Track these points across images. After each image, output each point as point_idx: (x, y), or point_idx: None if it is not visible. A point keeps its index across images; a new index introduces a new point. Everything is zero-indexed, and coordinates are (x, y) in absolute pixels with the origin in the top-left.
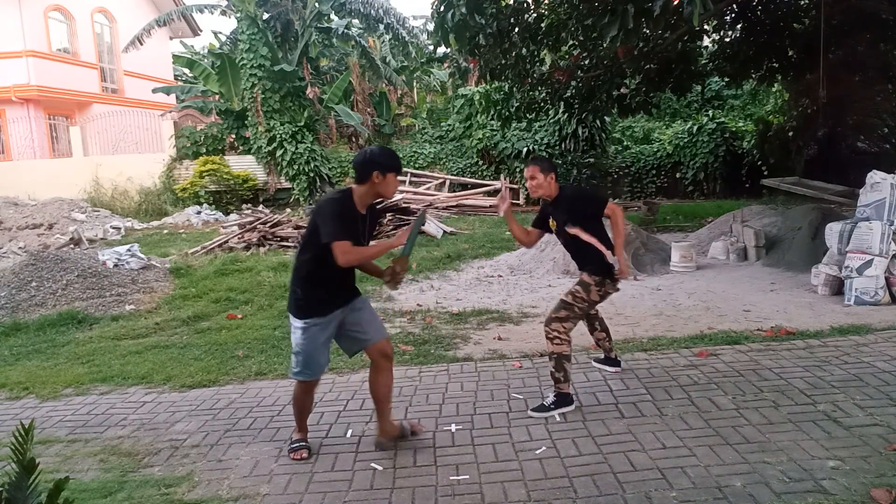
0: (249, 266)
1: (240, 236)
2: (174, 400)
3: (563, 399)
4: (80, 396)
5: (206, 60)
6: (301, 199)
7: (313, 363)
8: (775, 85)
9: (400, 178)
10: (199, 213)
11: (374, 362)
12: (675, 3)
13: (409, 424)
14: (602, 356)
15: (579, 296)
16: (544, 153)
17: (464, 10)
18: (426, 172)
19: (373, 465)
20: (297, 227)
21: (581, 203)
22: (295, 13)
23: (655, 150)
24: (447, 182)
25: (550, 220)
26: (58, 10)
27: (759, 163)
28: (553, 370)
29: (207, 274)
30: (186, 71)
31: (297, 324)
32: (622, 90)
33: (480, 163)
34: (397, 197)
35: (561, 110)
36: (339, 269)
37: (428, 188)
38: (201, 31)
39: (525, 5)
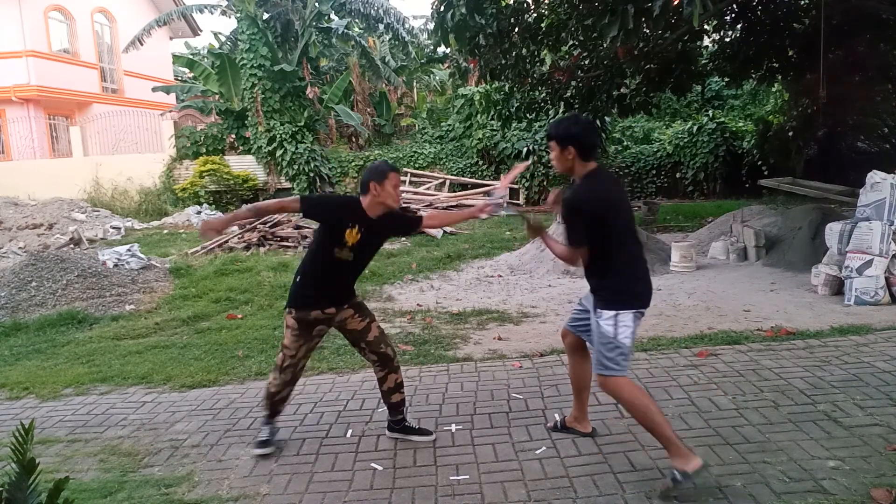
0: (249, 266)
1: (240, 236)
2: (174, 400)
3: (272, 430)
4: (80, 396)
5: (206, 60)
6: None
7: None
8: (775, 85)
9: (400, 178)
10: (199, 213)
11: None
12: (675, 3)
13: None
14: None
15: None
16: (544, 153)
17: (464, 10)
18: (426, 172)
19: (373, 465)
20: (298, 227)
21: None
22: (295, 13)
23: (655, 150)
24: (447, 182)
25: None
26: (58, 10)
27: (759, 163)
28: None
29: (207, 274)
30: (186, 71)
31: (625, 317)
32: (622, 90)
33: (480, 163)
34: None
35: (561, 110)
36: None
37: (428, 188)
38: (201, 31)
39: (525, 5)
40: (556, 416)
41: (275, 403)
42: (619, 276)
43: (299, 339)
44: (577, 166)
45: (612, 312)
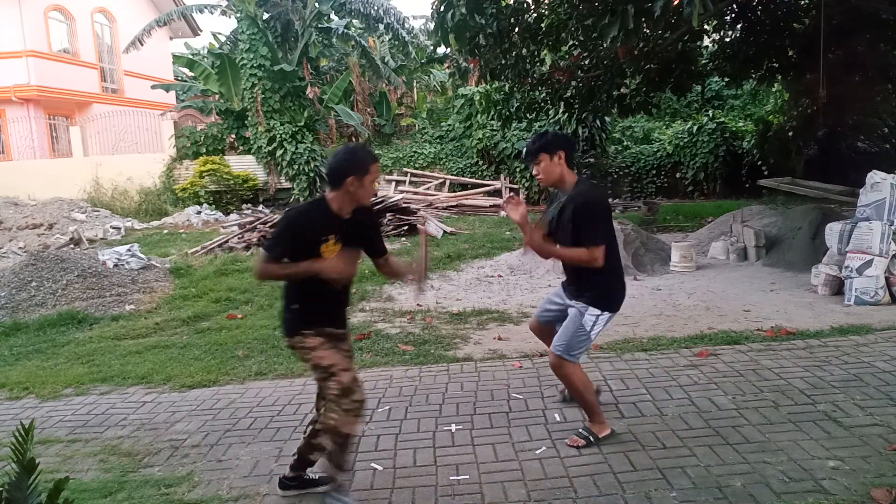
0: (249, 266)
1: (240, 236)
2: (174, 400)
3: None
4: (80, 396)
5: (206, 60)
6: (301, 199)
7: None
8: (775, 85)
9: (399, 178)
10: (199, 213)
11: None
12: (675, 3)
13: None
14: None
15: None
16: None
17: (464, 10)
18: (426, 172)
19: (373, 465)
20: None
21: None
22: (295, 13)
23: (655, 150)
24: (447, 182)
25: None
26: (58, 10)
27: (759, 163)
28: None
29: (207, 274)
30: (186, 71)
31: (604, 318)
32: (622, 90)
33: (480, 163)
34: (397, 197)
35: (561, 110)
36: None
37: (428, 188)
38: (201, 31)
39: (525, 5)
40: (556, 415)
41: (346, 446)
42: (609, 277)
43: (333, 347)
44: (566, 173)
45: (599, 311)
